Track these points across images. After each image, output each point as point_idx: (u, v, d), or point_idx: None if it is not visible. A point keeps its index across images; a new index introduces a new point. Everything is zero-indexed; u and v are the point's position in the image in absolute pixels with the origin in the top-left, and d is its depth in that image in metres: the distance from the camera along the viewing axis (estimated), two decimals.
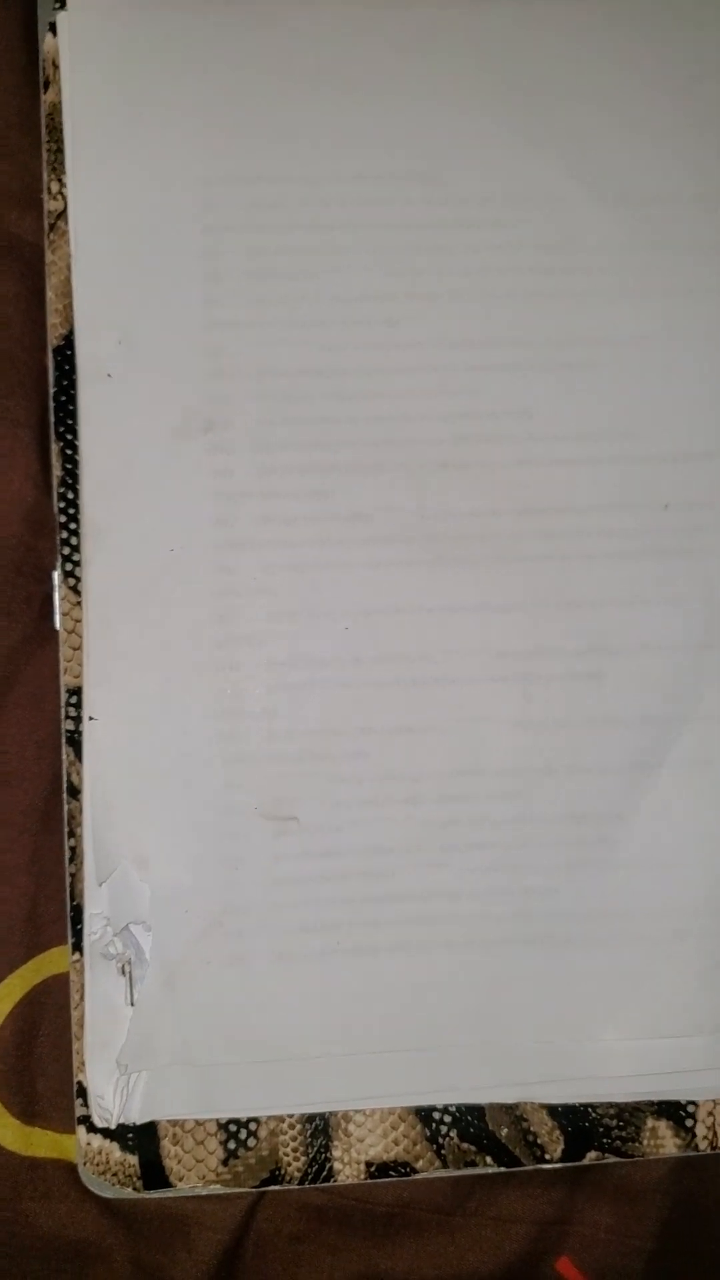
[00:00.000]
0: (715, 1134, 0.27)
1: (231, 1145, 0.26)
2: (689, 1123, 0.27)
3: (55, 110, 0.27)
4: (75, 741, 0.26)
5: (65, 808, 0.26)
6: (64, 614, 0.26)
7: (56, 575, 0.27)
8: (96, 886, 0.26)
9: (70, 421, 0.27)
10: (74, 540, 0.27)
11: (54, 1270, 0.26)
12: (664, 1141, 0.27)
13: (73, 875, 0.26)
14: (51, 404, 0.27)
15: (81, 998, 0.26)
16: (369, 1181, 0.26)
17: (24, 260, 0.28)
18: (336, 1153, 0.26)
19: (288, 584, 0.27)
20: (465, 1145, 0.26)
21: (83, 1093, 0.26)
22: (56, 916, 0.27)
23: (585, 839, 0.27)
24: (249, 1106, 0.26)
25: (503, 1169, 0.26)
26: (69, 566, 0.27)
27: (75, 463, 0.27)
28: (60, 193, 0.27)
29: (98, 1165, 0.26)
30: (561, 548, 0.27)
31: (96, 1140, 0.26)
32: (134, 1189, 0.26)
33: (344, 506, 0.27)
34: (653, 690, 0.27)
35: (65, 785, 0.26)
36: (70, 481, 0.27)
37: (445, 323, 0.27)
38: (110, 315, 0.27)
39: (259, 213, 0.27)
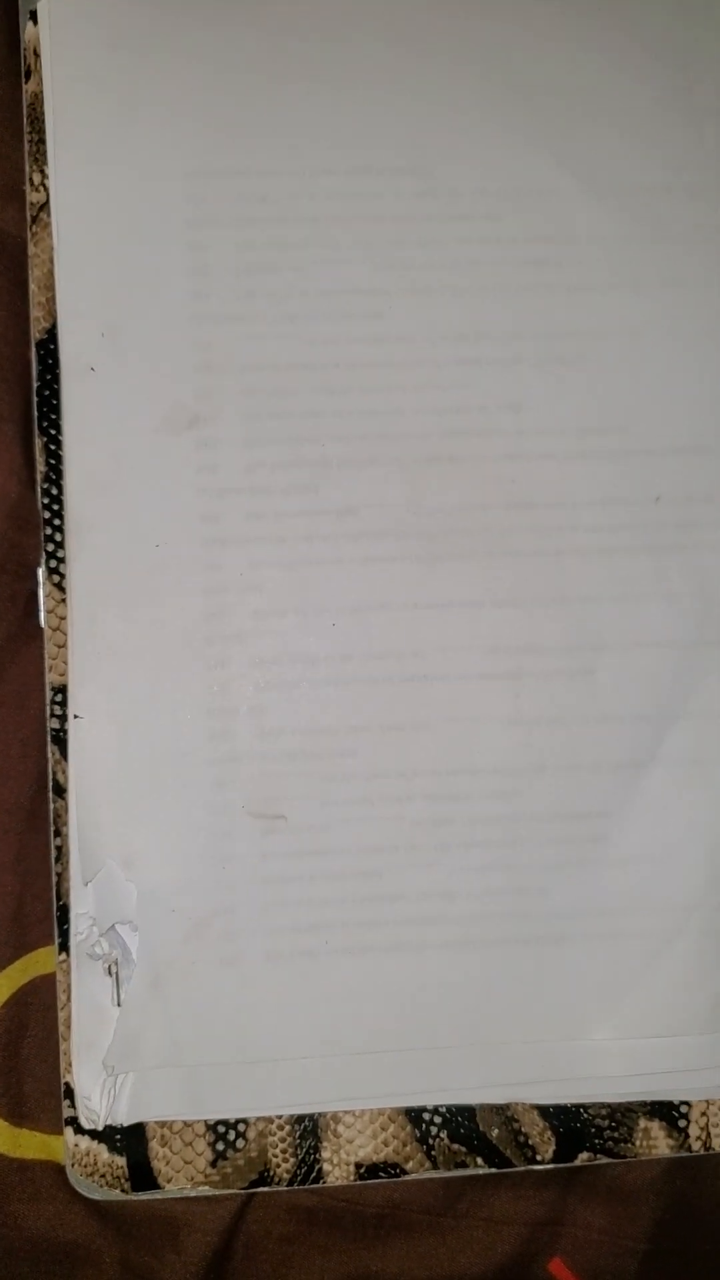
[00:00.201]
0: (709, 1135, 0.26)
1: (220, 1146, 0.26)
2: (682, 1123, 0.26)
3: (37, 100, 0.27)
4: (60, 740, 0.26)
5: (51, 807, 0.26)
6: (49, 611, 0.26)
7: (41, 572, 0.26)
8: (82, 886, 0.25)
9: (54, 416, 0.26)
10: (58, 536, 0.26)
11: (43, 1272, 0.26)
12: (656, 1142, 0.26)
13: (59, 875, 0.26)
14: (35, 398, 0.26)
15: (68, 998, 0.25)
16: (359, 1183, 0.26)
17: (6, 253, 0.28)
18: (326, 1154, 0.26)
19: (276, 580, 0.26)
20: (456, 1146, 0.26)
21: (70, 1094, 0.25)
22: (43, 916, 0.27)
23: (577, 837, 0.27)
24: (238, 1107, 0.26)
25: (494, 1170, 0.26)
26: (53, 563, 0.26)
27: (59, 458, 0.26)
28: (43, 184, 0.27)
29: (85, 1167, 0.25)
30: (553, 543, 0.27)
31: (84, 1142, 0.25)
32: (122, 1190, 0.25)
33: (333, 502, 0.27)
34: (645, 687, 0.27)
35: (51, 784, 0.26)
36: (54, 477, 0.26)
37: (435, 316, 0.27)
38: (94, 308, 0.26)
39: (246, 205, 0.27)
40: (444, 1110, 0.26)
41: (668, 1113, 0.26)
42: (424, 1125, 0.26)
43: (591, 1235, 0.27)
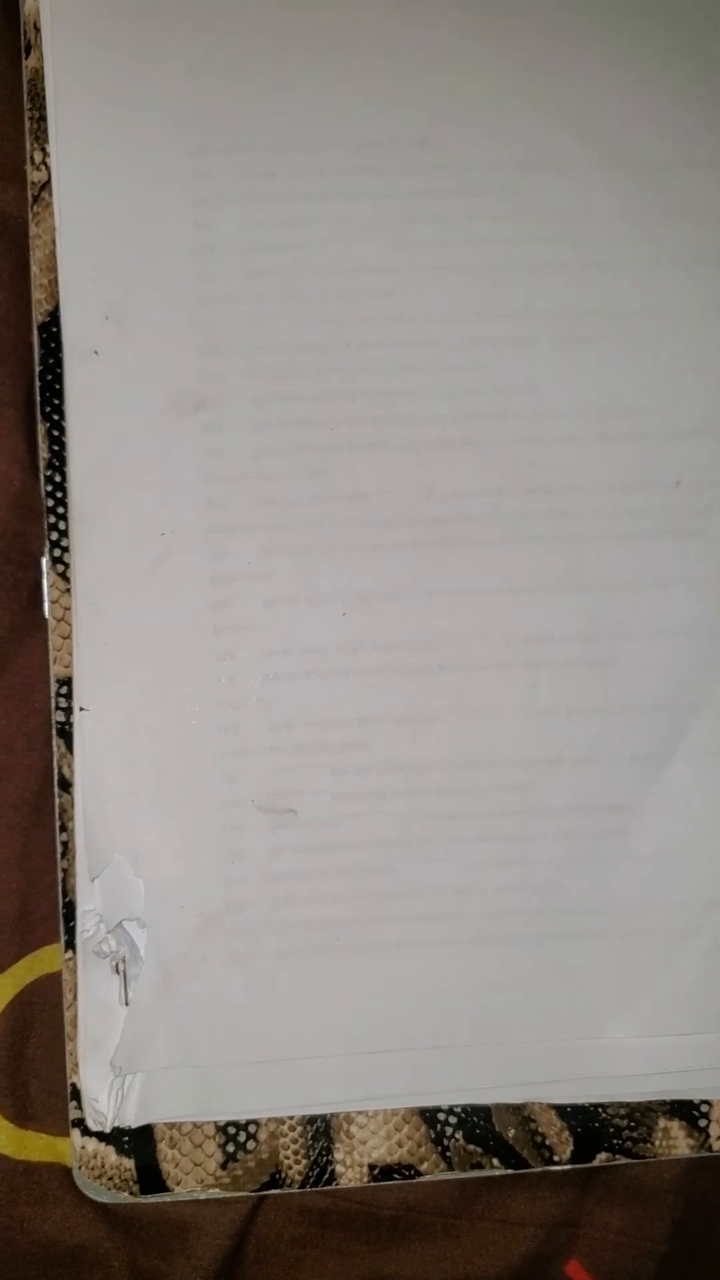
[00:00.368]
0: None
1: (230, 1148, 0.25)
2: (702, 1123, 0.26)
3: (37, 76, 0.26)
4: (66, 733, 0.25)
5: (56, 801, 0.25)
6: (53, 601, 0.26)
7: (45, 561, 0.26)
8: (89, 882, 0.25)
9: (57, 401, 0.26)
10: (62, 525, 0.26)
11: (50, 1276, 0.26)
12: (676, 1142, 0.26)
13: (64, 871, 0.25)
14: (37, 383, 0.26)
15: (75, 997, 0.25)
16: (373, 1185, 0.25)
17: (7, 234, 0.27)
18: (339, 1155, 0.25)
19: (285, 569, 0.26)
20: (471, 1147, 0.25)
21: (77, 1095, 0.25)
22: (49, 913, 0.26)
23: (595, 832, 0.26)
24: (248, 1108, 0.25)
25: (510, 1171, 0.25)
26: (57, 552, 0.26)
27: (62, 444, 0.26)
28: (44, 163, 0.26)
29: (93, 1169, 0.25)
30: (570, 528, 0.26)
31: (91, 1144, 0.25)
32: (130, 1193, 0.25)
33: (343, 487, 0.26)
34: (665, 677, 0.26)
35: (56, 778, 0.25)
36: (57, 464, 0.26)
37: (448, 295, 0.26)
38: (97, 290, 0.26)
39: (253, 182, 0.26)
40: (459, 1110, 0.26)
41: (688, 1112, 0.26)
42: (439, 1126, 0.25)
43: (609, 1236, 0.27)
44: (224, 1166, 0.25)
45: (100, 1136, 0.25)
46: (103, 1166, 0.25)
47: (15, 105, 0.27)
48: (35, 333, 0.26)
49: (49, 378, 0.26)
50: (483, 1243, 0.27)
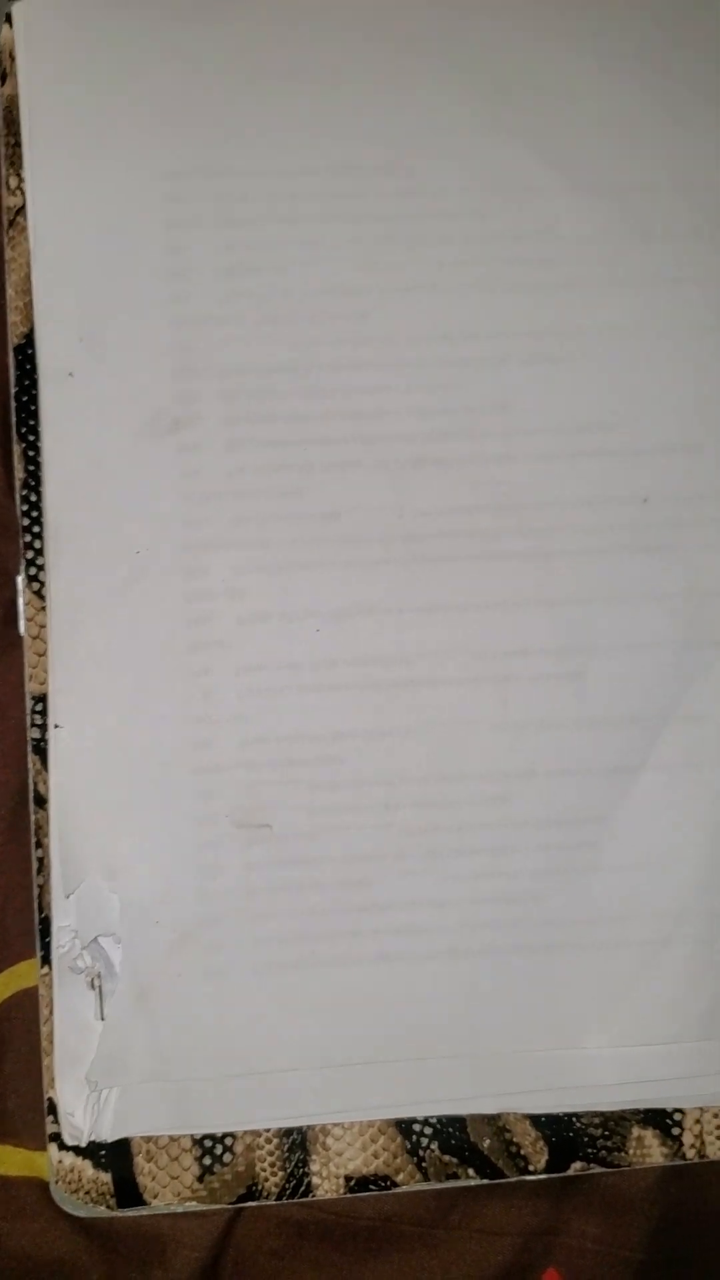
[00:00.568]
0: (703, 1142, 0.26)
1: (207, 1161, 0.25)
2: (676, 1131, 0.26)
3: (12, 103, 0.26)
4: (41, 750, 0.25)
5: (32, 818, 0.26)
6: (28, 619, 0.26)
7: (20, 579, 0.26)
8: (64, 898, 0.25)
9: (32, 422, 0.26)
10: (38, 544, 0.26)
11: None
12: (650, 1150, 0.26)
13: (40, 887, 0.25)
14: (13, 404, 0.26)
15: (51, 1012, 0.25)
16: (349, 1196, 0.26)
17: None
18: (315, 1167, 0.25)
19: (259, 586, 0.26)
20: (447, 1157, 0.26)
21: (53, 1109, 0.25)
22: (26, 929, 0.26)
23: (568, 844, 0.26)
24: (224, 1121, 0.25)
25: (486, 1181, 0.26)
26: (33, 570, 0.26)
27: (38, 464, 0.26)
28: (19, 188, 0.26)
29: (70, 1183, 0.25)
30: (541, 544, 0.27)
31: (68, 1158, 0.25)
32: (107, 1207, 0.25)
33: (316, 505, 0.26)
34: (635, 690, 0.26)
35: (32, 794, 0.26)
36: (33, 483, 0.26)
37: (419, 316, 0.27)
38: (72, 313, 0.26)
39: (225, 206, 0.26)
40: (434, 1121, 0.26)
41: (661, 1121, 0.26)
42: (414, 1137, 0.26)
43: (586, 1245, 0.27)
44: (201, 1179, 0.25)
45: (77, 1151, 0.25)
46: (80, 1180, 0.25)
47: None
48: (11, 355, 0.26)
49: (25, 399, 0.26)
50: (460, 1253, 0.27)
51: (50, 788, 0.25)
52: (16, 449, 0.26)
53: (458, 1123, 0.26)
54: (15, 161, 0.26)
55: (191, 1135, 0.25)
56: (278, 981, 0.25)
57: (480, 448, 0.27)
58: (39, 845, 0.25)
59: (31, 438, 0.26)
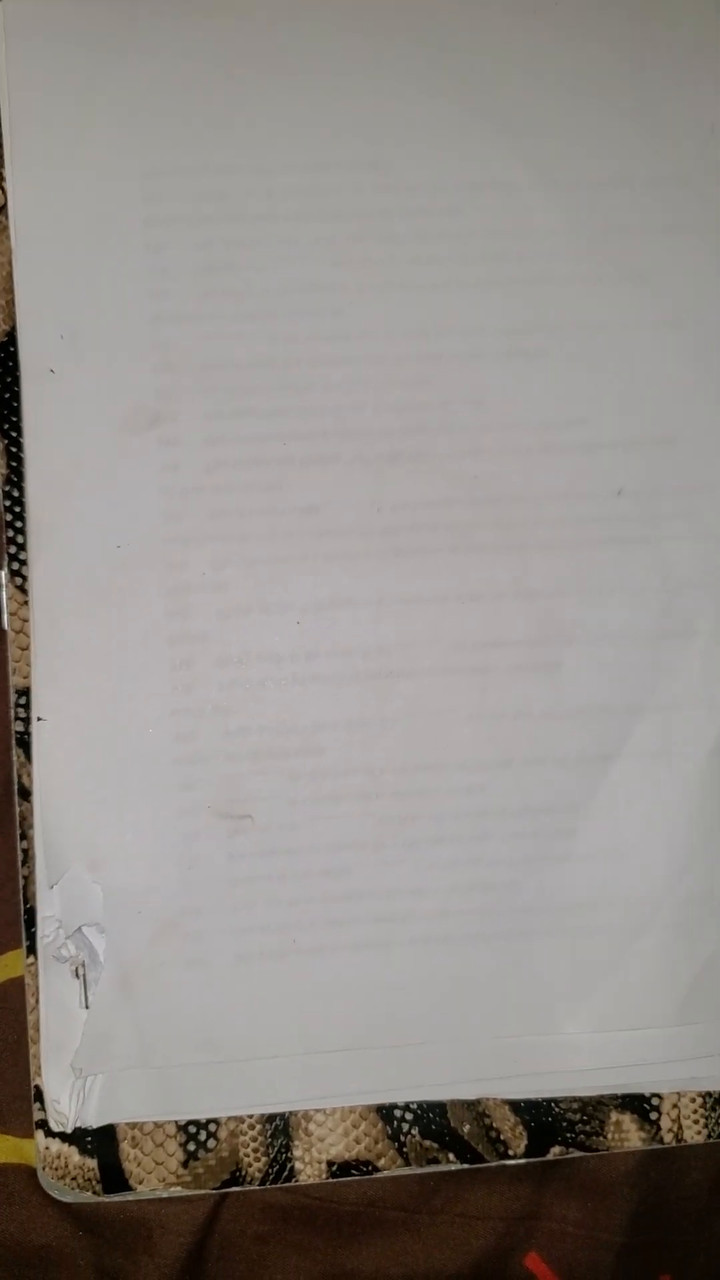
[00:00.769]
0: (680, 1126, 0.26)
1: (191, 1147, 0.26)
2: (653, 1115, 0.26)
3: None
4: (25, 743, 0.26)
5: (16, 810, 0.26)
6: (11, 613, 0.26)
7: (3, 574, 0.26)
8: (48, 889, 0.25)
9: (14, 418, 0.26)
10: (20, 538, 0.26)
11: (16, 1276, 0.26)
12: (628, 1135, 0.26)
13: (25, 878, 0.26)
14: None
15: (36, 1001, 0.25)
16: (332, 1181, 0.26)
17: None
18: (297, 1152, 0.26)
19: (239, 579, 0.26)
20: (427, 1143, 0.26)
21: (40, 1097, 0.25)
22: (11, 920, 0.27)
23: (544, 832, 0.27)
24: (208, 1108, 0.26)
25: (466, 1166, 0.26)
26: (15, 565, 0.26)
27: (20, 460, 0.26)
28: (0, 186, 0.27)
29: (57, 1169, 0.25)
30: (517, 537, 0.27)
31: (55, 1144, 0.25)
32: (94, 1193, 0.25)
33: (296, 499, 0.27)
34: (610, 680, 0.27)
35: (15, 787, 0.26)
36: (15, 479, 0.26)
37: (395, 312, 0.27)
38: (53, 310, 0.26)
39: (203, 204, 0.27)
40: (415, 1107, 0.26)
41: (639, 1105, 0.26)
42: (395, 1122, 0.26)
43: (567, 1229, 0.27)
44: (185, 1165, 0.26)
45: (63, 1137, 0.25)
46: (66, 1167, 0.25)
47: None
48: None
49: (6, 395, 0.26)
50: (443, 1237, 0.27)
51: (34, 780, 0.26)
52: None
53: (438, 1108, 0.26)
54: None
55: (176, 1121, 0.26)
56: (260, 970, 0.26)
57: (456, 442, 0.27)
58: (23, 837, 0.26)
59: (14, 434, 0.26)
